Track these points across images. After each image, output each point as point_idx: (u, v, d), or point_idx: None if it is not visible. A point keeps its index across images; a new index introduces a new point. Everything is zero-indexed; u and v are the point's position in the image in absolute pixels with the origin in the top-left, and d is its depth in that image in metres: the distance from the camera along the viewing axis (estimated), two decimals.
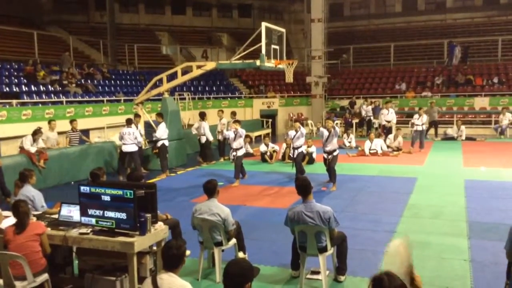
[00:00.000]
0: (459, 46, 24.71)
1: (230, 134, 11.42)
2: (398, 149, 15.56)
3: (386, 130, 17.45)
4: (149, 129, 13.42)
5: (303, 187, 5.30)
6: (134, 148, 11.91)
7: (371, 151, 15.12)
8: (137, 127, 12.38)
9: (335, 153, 10.51)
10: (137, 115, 13.14)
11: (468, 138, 18.79)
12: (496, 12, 28.67)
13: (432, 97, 22.11)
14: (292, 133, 11.37)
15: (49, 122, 12.69)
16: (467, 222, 7.57)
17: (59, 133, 13.08)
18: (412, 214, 8.20)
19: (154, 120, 13.62)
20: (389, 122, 17.47)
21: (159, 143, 12.39)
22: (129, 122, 12.07)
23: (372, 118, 20.62)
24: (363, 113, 20.91)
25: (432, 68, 25.25)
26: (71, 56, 19.71)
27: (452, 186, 10.30)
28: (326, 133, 10.42)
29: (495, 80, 22.65)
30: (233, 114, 15.16)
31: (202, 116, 14.45)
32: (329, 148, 10.49)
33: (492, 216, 7.80)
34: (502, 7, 28.48)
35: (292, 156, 11.39)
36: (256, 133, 19.84)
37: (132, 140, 11.82)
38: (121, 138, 11.97)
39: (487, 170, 12.03)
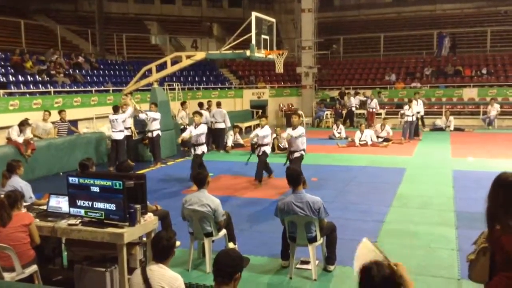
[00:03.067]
0: (448, 37, 24.81)
1: (190, 129, 9.91)
2: (387, 139, 15.62)
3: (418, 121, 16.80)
4: (138, 120, 13.33)
5: (294, 178, 5.33)
6: (119, 136, 11.87)
7: (361, 142, 15.19)
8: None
9: (296, 154, 9.23)
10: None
11: (457, 129, 18.94)
12: (485, 3, 28.75)
13: (421, 88, 22.23)
14: (259, 132, 10.08)
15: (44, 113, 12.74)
16: (454, 212, 7.65)
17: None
18: (401, 204, 8.27)
19: (146, 110, 13.55)
20: (418, 113, 16.77)
21: (155, 133, 12.35)
22: (115, 110, 11.99)
23: (354, 109, 20.73)
24: (352, 103, 20.98)
25: (421, 59, 25.35)
26: (60, 51, 19.38)
27: (440, 177, 10.40)
28: (290, 131, 9.12)
29: (484, 71, 22.81)
30: (199, 105, 15.15)
31: (218, 104, 15.14)
32: (293, 148, 9.27)
33: (480, 206, 7.74)
34: None
35: (257, 154, 10.12)
36: (246, 124, 19.82)
37: (116, 127, 11.78)
38: (111, 125, 12.03)
39: (475, 161, 12.15)
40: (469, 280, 3.35)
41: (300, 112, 21.98)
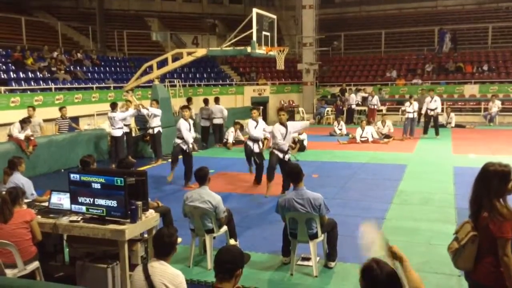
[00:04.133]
0: (449, 33, 24.74)
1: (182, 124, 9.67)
2: (388, 136, 15.61)
3: (428, 119, 16.48)
4: (139, 116, 13.34)
5: (294, 174, 5.33)
6: (118, 133, 11.91)
7: (362, 139, 15.19)
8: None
9: (288, 156, 8.57)
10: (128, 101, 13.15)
11: (458, 126, 18.93)
12: None
13: (422, 85, 22.19)
14: (252, 124, 9.80)
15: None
16: (455, 209, 7.65)
17: (48, 120, 12.96)
18: (402, 200, 8.27)
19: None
20: (433, 110, 16.27)
21: (156, 130, 12.36)
22: (113, 107, 12.03)
23: (354, 106, 20.71)
24: (351, 101, 20.96)
25: (422, 55, 25.31)
26: (61, 48, 19.35)
27: (441, 173, 10.39)
28: (282, 129, 8.48)
29: (485, 67, 22.76)
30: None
31: (217, 100, 15.58)
32: (287, 146, 8.58)
33: None
34: None
35: (251, 150, 9.62)
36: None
37: (115, 124, 11.83)
38: (110, 122, 12.11)
39: (476, 157, 12.13)
40: None
41: (301, 109, 22.05)
